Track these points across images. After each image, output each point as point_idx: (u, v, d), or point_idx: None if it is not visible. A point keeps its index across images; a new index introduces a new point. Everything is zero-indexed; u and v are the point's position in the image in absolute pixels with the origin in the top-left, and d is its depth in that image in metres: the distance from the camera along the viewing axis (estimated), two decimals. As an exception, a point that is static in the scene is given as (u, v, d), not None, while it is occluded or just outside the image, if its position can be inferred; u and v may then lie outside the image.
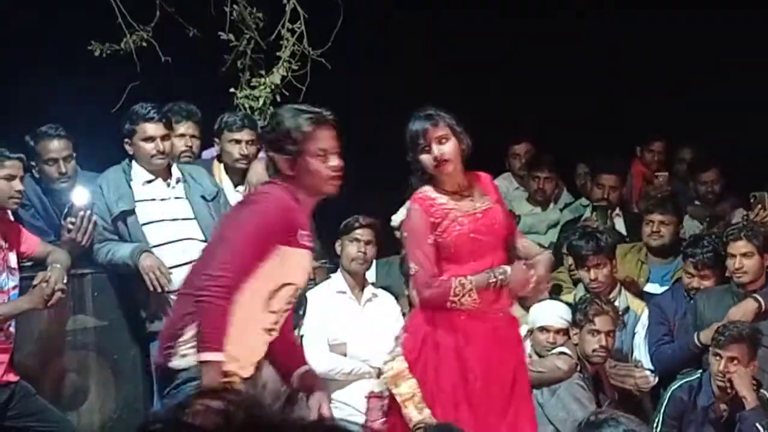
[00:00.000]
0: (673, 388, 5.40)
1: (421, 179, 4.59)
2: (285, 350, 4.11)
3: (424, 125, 4.49)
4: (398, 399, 4.56)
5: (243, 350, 3.90)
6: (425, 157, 4.50)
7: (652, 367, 5.84)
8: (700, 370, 5.35)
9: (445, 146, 4.49)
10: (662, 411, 5.35)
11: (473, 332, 4.54)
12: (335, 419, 1.26)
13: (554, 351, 5.43)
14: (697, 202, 7.23)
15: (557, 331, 5.51)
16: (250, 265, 3.81)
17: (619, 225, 6.94)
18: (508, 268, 4.50)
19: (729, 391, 5.14)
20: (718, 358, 5.15)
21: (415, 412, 4.52)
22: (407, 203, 6.14)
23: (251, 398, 1.21)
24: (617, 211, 7.05)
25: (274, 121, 4.09)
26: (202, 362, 3.76)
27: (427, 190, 4.58)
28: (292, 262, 3.91)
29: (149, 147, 5.29)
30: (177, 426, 1.17)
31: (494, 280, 4.47)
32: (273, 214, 3.85)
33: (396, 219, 6.26)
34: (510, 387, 4.60)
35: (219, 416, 1.19)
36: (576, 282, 6.17)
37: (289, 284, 3.93)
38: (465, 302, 4.46)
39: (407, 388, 4.55)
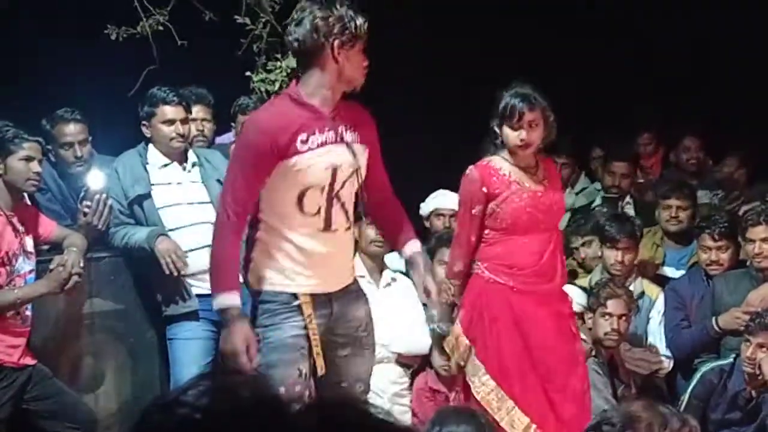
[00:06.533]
0: (703, 370, 5.35)
1: (495, 149, 4.65)
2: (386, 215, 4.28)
3: (522, 106, 4.53)
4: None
5: (307, 258, 3.90)
6: (511, 134, 4.56)
7: (667, 352, 5.81)
8: (734, 355, 5.29)
9: (533, 132, 4.55)
10: (690, 391, 5.31)
11: (527, 306, 4.60)
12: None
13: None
14: (718, 192, 7.16)
15: (572, 316, 5.50)
16: (249, 189, 3.83)
17: (630, 213, 6.88)
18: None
19: (759, 377, 5.10)
20: (747, 344, 5.12)
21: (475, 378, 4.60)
22: (433, 194, 6.13)
23: (257, 377, 1.20)
24: (627, 199, 7.01)
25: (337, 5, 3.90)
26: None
27: (495, 160, 4.64)
28: (302, 169, 3.83)
29: (169, 130, 5.28)
30: (180, 407, 1.16)
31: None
32: (254, 136, 3.85)
33: (424, 208, 6.22)
34: (567, 360, 4.64)
35: (225, 395, 1.18)
36: (589, 271, 6.13)
37: (310, 187, 3.86)
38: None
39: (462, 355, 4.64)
